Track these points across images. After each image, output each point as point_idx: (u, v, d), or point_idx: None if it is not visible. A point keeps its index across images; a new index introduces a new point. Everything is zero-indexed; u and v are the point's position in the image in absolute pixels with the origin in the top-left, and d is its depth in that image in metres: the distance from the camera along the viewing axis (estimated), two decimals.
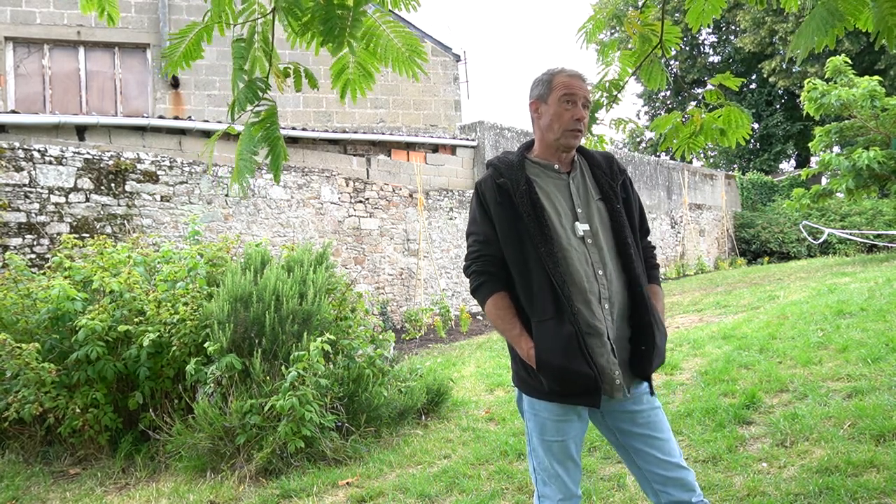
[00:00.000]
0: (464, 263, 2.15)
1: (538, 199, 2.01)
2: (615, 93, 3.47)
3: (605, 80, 3.48)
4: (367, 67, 2.40)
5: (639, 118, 29.21)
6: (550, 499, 2.02)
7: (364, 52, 2.36)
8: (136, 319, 4.56)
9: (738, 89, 3.24)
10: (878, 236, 14.96)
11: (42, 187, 6.82)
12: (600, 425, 2.11)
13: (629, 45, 3.51)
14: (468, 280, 2.13)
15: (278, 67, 2.28)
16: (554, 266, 1.94)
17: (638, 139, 28.54)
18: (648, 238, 2.25)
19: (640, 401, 2.03)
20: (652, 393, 2.07)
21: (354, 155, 10.62)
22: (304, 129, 10.36)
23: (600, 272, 1.99)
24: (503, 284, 2.05)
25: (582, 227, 2.02)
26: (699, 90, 25.83)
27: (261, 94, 2.19)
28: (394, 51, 2.36)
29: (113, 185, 7.30)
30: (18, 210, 6.67)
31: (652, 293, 2.14)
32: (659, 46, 3.21)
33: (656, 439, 2.02)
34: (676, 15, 20.67)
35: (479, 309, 11.19)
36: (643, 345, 2.01)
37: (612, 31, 15.74)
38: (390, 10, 2.38)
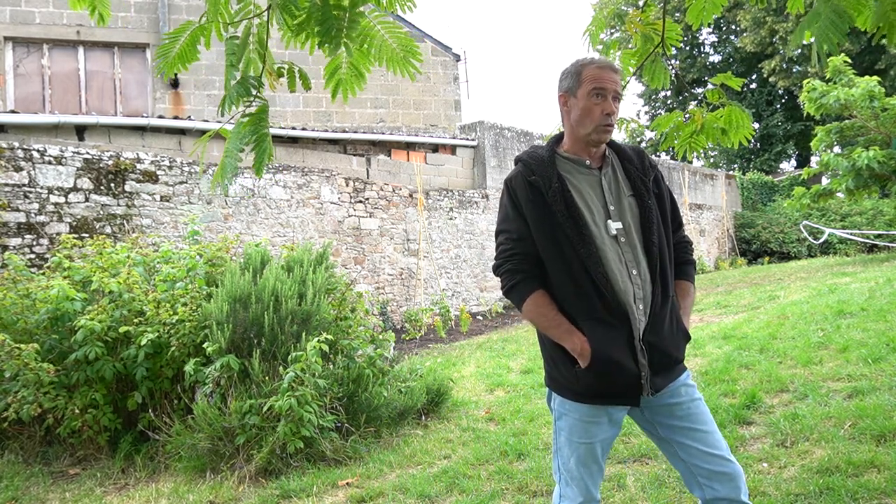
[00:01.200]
0: (494, 262, 2.07)
1: (572, 198, 1.95)
2: None
3: None
4: (360, 68, 2.39)
5: (639, 118, 29.21)
6: (571, 500, 2.00)
7: (357, 52, 2.34)
8: (135, 320, 4.55)
9: (739, 89, 3.23)
10: (879, 236, 14.95)
11: (41, 187, 6.82)
12: (640, 420, 2.06)
13: (630, 45, 3.50)
14: (499, 279, 2.04)
15: (272, 66, 2.26)
16: (595, 266, 1.90)
17: (638, 139, 28.54)
18: (682, 231, 2.17)
19: (677, 393, 1.99)
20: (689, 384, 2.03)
21: (354, 155, 10.61)
22: (303, 129, 10.35)
23: (634, 272, 1.94)
24: (540, 282, 1.98)
25: (615, 226, 1.96)
26: (699, 90, 25.82)
27: (253, 91, 2.17)
28: (388, 51, 2.35)
29: (112, 184, 7.29)
30: (18, 210, 6.66)
31: (681, 290, 2.10)
32: (660, 45, 3.21)
33: (698, 431, 1.96)
34: (677, 14, 20.64)
35: (480, 309, 11.22)
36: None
37: (613, 30, 15.73)
38: (386, 12, 2.37)
